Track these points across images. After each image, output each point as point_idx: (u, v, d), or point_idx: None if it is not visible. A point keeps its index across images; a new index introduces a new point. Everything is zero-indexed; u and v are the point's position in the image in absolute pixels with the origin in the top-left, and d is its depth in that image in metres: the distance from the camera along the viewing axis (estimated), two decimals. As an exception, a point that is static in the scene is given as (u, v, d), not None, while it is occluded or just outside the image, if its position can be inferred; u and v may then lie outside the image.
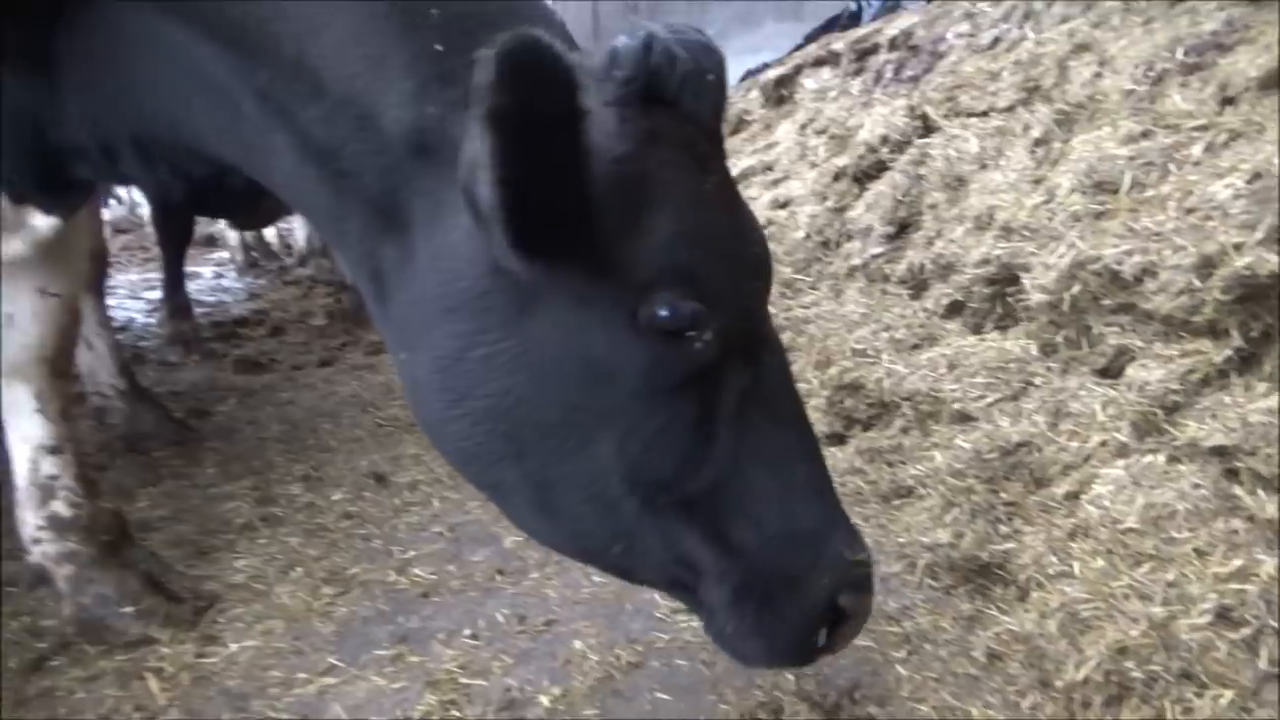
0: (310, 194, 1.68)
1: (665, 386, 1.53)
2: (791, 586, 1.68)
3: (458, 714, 2.47)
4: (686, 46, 1.46)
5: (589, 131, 1.33)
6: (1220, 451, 2.68)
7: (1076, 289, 3.36)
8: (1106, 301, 3.29)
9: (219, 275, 10.56)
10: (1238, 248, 2.70)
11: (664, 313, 1.45)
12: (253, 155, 1.74)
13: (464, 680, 2.62)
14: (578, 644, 2.77)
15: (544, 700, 2.52)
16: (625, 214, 1.43)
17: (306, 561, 3.40)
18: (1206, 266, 2.81)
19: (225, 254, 11.15)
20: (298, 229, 9.81)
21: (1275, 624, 2.11)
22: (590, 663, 2.67)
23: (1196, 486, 2.57)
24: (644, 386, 1.52)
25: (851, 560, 1.71)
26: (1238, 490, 2.54)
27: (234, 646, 2.83)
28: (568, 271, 1.43)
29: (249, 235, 10.39)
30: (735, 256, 1.58)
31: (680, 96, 1.47)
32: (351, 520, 3.76)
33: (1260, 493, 2.51)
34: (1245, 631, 2.14)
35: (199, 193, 2.24)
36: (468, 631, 2.89)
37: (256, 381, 5.85)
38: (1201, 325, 2.92)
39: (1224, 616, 2.19)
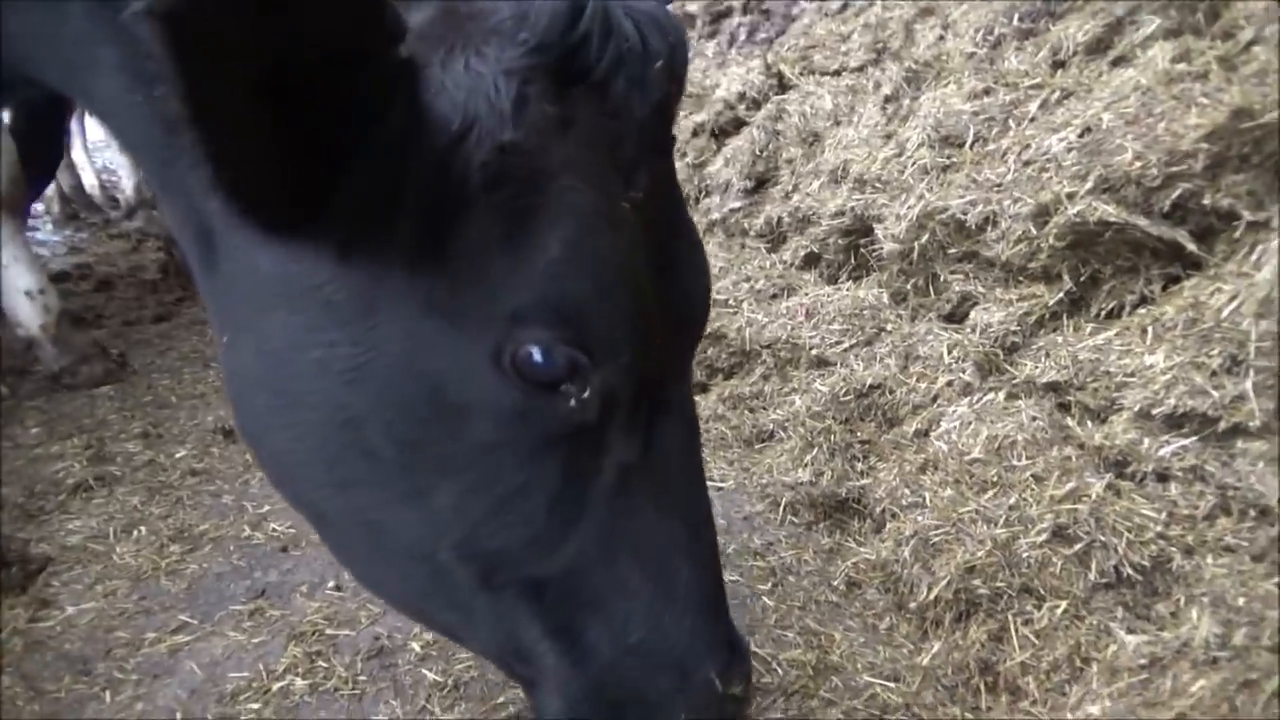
0: (136, 125, 1.35)
1: (525, 445, 1.28)
2: (643, 712, 1.47)
3: (324, 664, 2.38)
4: (636, 18, 1.21)
5: (411, 91, 1.08)
6: (1054, 387, 2.88)
7: (925, 238, 3.52)
8: (952, 250, 3.47)
9: (33, 228, 9.65)
10: (1070, 197, 2.89)
11: (535, 357, 1.19)
12: (75, 74, 1.42)
13: (330, 631, 2.53)
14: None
15: (415, 646, 2.46)
16: (504, 219, 1.15)
17: (150, 520, 3.18)
18: (1042, 215, 3.00)
19: (39, 205, 10.19)
20: (125, 178, 9.05)
21: (1104, 539, 2.29)
22: (460, 609, 2.63)
23: (1034, 419, 2.75)
24: (497, 439, 1.27)
25: (722, 693, 1.48)
26: (1069, 421, 2.74)
27: (71, 610, 2.64)
28: (426, 275, 1.18)
29: (67, 185, 9.50)
30: (643, 301, 1.28)
31: (611, 80, 1.19)
32: (198, 477, 3.55)
33: (1089, 423, 2.71)
34: (1078, 547, 2.32)
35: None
36: (331, 584, 2.79)
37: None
38: (1037, 271, 3.12)
39: (1059, 534, 2.36)
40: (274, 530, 3.13)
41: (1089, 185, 2.84)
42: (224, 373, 1.46)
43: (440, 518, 1.31)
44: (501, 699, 2.25)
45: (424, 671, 2.36)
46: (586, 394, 1.24)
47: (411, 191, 1.15)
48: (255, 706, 2.25)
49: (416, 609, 1.57)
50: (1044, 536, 2.37)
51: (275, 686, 2.31)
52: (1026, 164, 3.17)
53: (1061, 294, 3.02)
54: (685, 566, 1.45)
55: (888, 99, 4.30)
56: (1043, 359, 2.96)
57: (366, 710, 2.24)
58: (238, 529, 3.14)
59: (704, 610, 1.48)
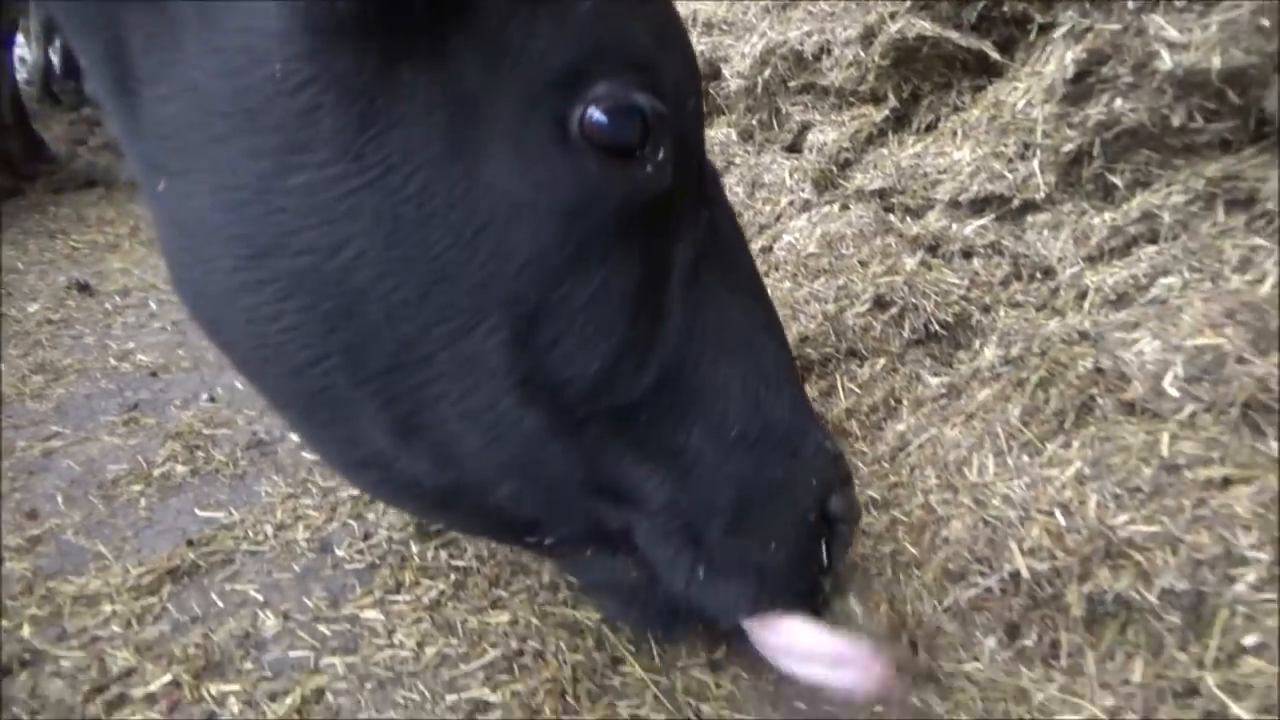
0: None
1: (600, 236, 1.09)
2: (774, 501, 1.36)
3: (204, 454, 2.48)
4: None
5: None
6: (880, 193, 3.18)
7: (768, 74, 3.74)
8: (793, 83, 3.70)
9: None
10: (892, 17, 3.15)
11: (604, 118, 1.02)
12: None
13: (207, 432, 2.62)
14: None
15: (294, 437, 2.58)
16: None
17: (8, 360, 3.14)
18: (868, 37, 3.25)
19: None
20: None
21: (916, 302, 2.61)
22: (338, 408, 2.75)
23: (861, 217, 3.05)
24: (566, 237, 1.06)
25: (834, 453, 1.44)
26: (892, 218, 3.05)
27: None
28: (443, 54, 0.98)
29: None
30: (681, 40, 1.15)
31: None
32: (56, 325, 3.50)
33: (909, 219, 3.02)
34: (893, 311, 2.63)
35: None
36: (205, 396, 2.86)
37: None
38: (866, 93, 3.38)
39: (879, 303, 2.67)
40: (141, 360, 3.16)
41: (907, 4, 3.10)
42: (159, 227, 1.18)
43: (495, 360, 1.09)
44: (381, 467, 2.40)
45: (303, 454, 2.49)
46: (661, 154, 1.09)
47: None
48: (137, 489, 2.33)
49: (454, 496, 1.27)
50: (866, 306, 2.67)
51: (156, 473, 2.40)
52: (856, -9, 3.41)
53: (888, 111, 3.30)
54: (768, 343, 1.37)
55: (733, -52, 4.45)
56: (871, 170, 3.25)
57: (249, 486, 2.37)
58: (103, 361, 3.15)
59: (793, 382, 1.42)
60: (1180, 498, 1.52)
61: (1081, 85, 2.44)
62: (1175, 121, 2.25)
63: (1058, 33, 2.58)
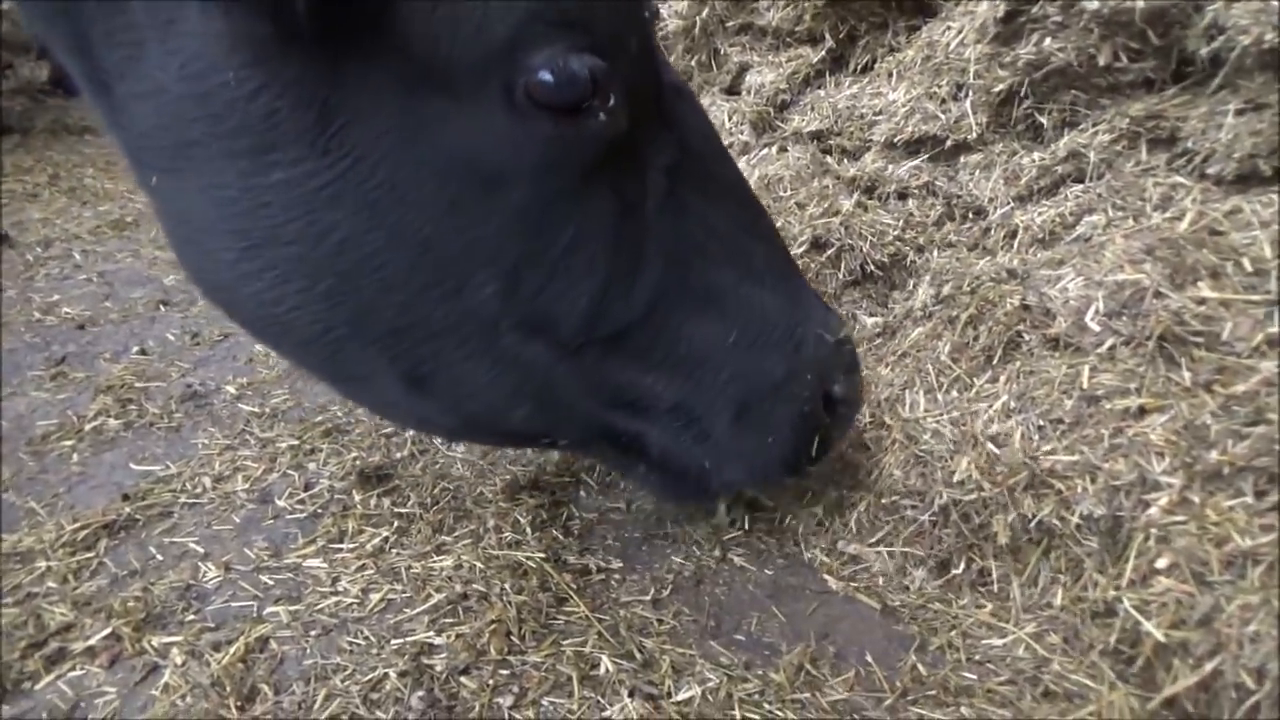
0: None
1: (568, 186, 1.17)
2: (775, 392, 1.47)
3: (136, 408, 2.42)
4: None
5: None
6: (817, 135, 3.19)
7: (705, 13, 3.70)
8: (730, 23, 3.67)
9: None
10: (829, -45, 3.13)
11: (548, 78, 1.07)
12: None
13: (139, 385, 2.56)
14: (259, 347, 2.78)
15: (230, 389, 2.54)
16: None
17: (-84, 316, 3.03)
18: (805, -26, 3.23)
19: None
20: None
21: (852, 243, 2.64)
22: (275, 358, 2.71)
23: (799, 159, 3.06)
24: (538, 191, 1.15)
25: (834, 341, 1.52)
26: (829, 160, 3.07)
27: None
28: (384, 47, 1.03)
29: None
30: None
31: None
32: (-34, 280, 3.38)
33: (845, 161, 3.04)
34: (830, 252, 2.66)
35: None
36: (136, 349, 2.79)
37: None
38: (803, 34, 3.37)
39: (816, 244, 2.70)
40: (68, 313, 3.06)
41: (843, -58, 3.08)
42: (161, 218, 1.26)
43: (488, 309, 1.19)
44: (319, 418, 2.38)
45: (240, 406, 2.46)
46: (613, 101, 1.13)
47: None
48: (69, 444, 2.28)
49: (480, 422, 1.40)
50: (804, 248, 2.70)
51: (88, 428, 2.35)
52: (793, -71, 3.37)
53: (824, 52, 3.30)
54: (756, 242, 1.43)
55: (670, -116, 4.35)
56: (809, 112, 3.25)
57: (185, 438, 2.33)
58: (27, 315, 3.05)
59: (788, 277, 1.48)
60: (1099, 427, 1.58)
61: (1012, 25, 2.47)
62: (1101, 61, 2.29)
63: (992, -28, 2.59)
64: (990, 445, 1.66)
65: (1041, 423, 1.64)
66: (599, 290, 1.25)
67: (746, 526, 1.99)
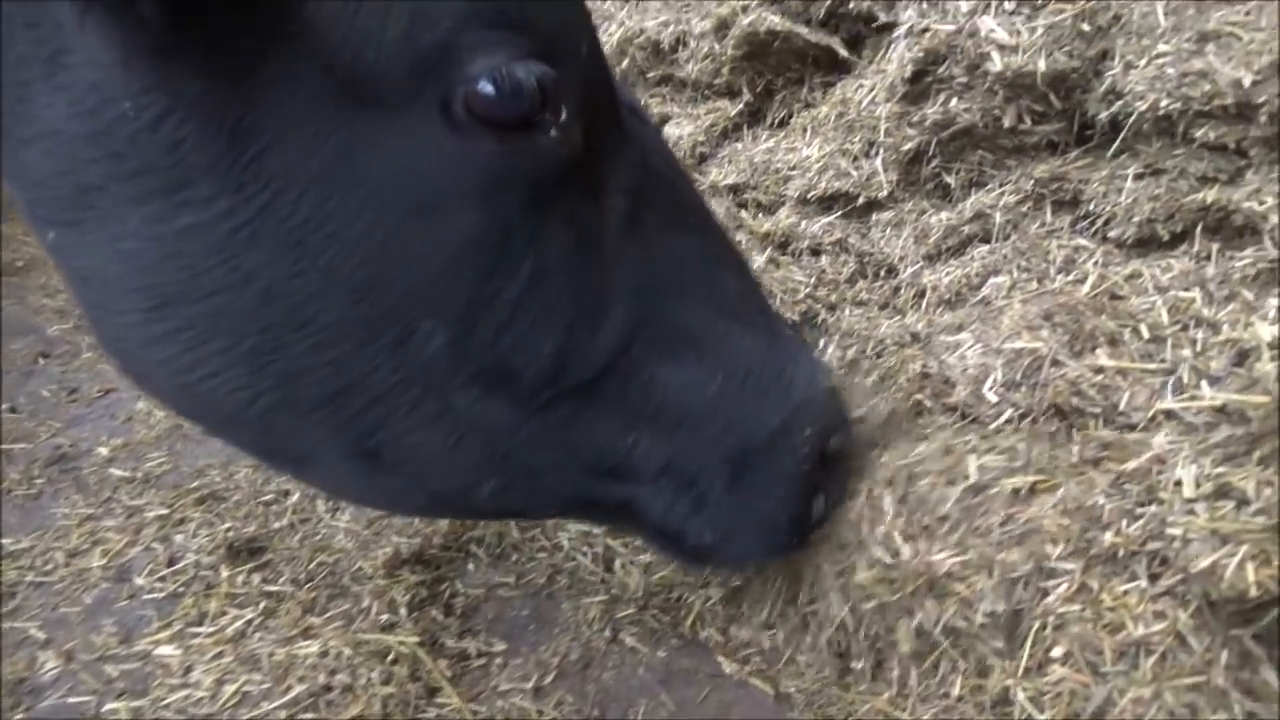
0: None
1: (516, 214, 1.02)
2: (772, 446, 1.30)
3: (-8, 474, 2.25)
4: None
5: None
6: (734, 188, 3.15)
7: (626, 63, 3.66)
8: (651, 74, 3.64)
9: None
10: (744, 10, 3.11)
11: (489, 88, 0.93)
12: None
13: (4, 446, 2.38)
14: (141, 405, 2.62)
15: (103, 450, 2.39)
16: None
17: None
18: (722, 29, 3.20)
19: None
20: None
21: (762, 300, 2.58)
22: (156, 417, 2.56)
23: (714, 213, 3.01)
24: (487, 221, 1.00)
25: (827, 388, 1.37)
26: (744, 214, 3.02)
27: None
28: (301, 57, 0.90)
29: None
30: None
31: None
32: None
33: (761, 215, 3.00)
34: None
35: None
36: (6, 406, 2.61)
37: None
38: (722, 87, 3.34)
39: (727, 301, 2.63)
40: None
41: (759, -2, 3.07)
42: (64, 277, 1.08)
43: (439, 363, 1.03)
44: (195, 484, 2.23)
45: (111, 470, 2.30)
46: (565, 114, 1.00)
47: None
48: (-90, 514, 2.10)
49: (443, 497, 1.22)
50: (714, 305, 2.63)
51: (-66, 496, 2.17)
52: (710, -17, 3.36)
53: (742, 105, 3.27)
54: (729, 279, 1.28)
55: (594, -65, 4.35)
56: (726, 165, 3.21)
57: (44, 507, 2.16)
58: (-112, 369, 2.85)
59: (767, 317, 1.33)
60: (989, 516, 1.51)
61: (920, 84, 2.45)
62: (1006, 122, 2.28)
63: (898, 32, 2.58)
64: (882, 553, 1.55)
65: (928, 522, 1.54)
66: (563, 332, 1.10)
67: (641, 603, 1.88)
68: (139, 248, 0.94)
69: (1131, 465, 1.47)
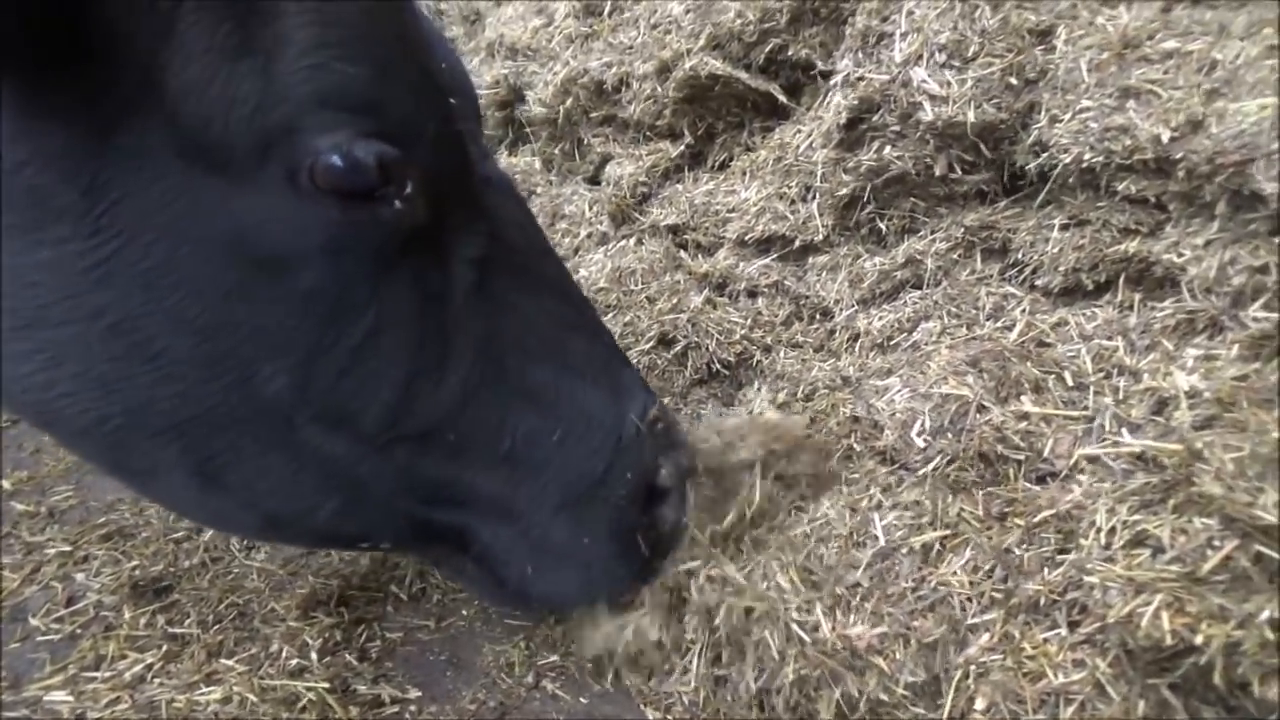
0: None
1: (362, 275, 1.10)
2: (593, 494, 1.38)
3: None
4: None
5: None
6: (674, 229, 3.15)
7: (570, 103, 3.67)
8: (594, 114, 3.65)
9: None
10: (687, 53, 3.14)
11: (336, 161, 1.01)
12: None
13: (-108, 478, 2.25)
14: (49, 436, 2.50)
15: (5, 484, 2.27)
16: (225, 20, 0.95)
17: None
18: (664, 72, 3.23)
19: None
20: None
21: (699, 340, 2.57)
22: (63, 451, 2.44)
23: (653, 253, 3.01)
24: (327, 279, 1.08)
25: (645, 424, 1.43)
26: (684, 254, 3.03)
27: None
28: (158, 123, 0.98)
29: None
30: (412, 67, 1.12)
31: None
32: None
33: (700, 256, 3.00)
34: (677, 349, 2.59)
35: None
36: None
37: None
38: (664, 129, 3.36)
39: (663, 341, 2.62)
40: None
41: (701, 43, 3.09)
42: None
43: (281, 401, 1.11)
44: (102, 519, 2.13)
45: (13, 504, 2.19)
46: (408, 189, 1.08)
47: (97, 23, 0.93)
48: None
49: (281, 520, 1.27)
50: (651, 344, 2.62)
51: None
52: (654, 27, 3.39)
53: (684, 147, 3.29)
54: (577, 339, 1.37)
55: (541, -24, 4.38)
56: (666, 206, 3.22)
57: (-64, 543, 2.04)
58: None
59: (608, 369, 1.41)
60: (900, 581, 1.48)
61: (855, 132, 2.48)
62: (938, 171, 2.31)
63: (835, 80, 2.62)
64: (798, 628, 1.50)
65: (840, 590, 1.50)
66: (401, 384, 1.18)
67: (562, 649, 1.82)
68: (4, 274, 1.02)
69: (1041, 517, 1.46)
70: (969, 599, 1.42)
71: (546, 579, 1.43)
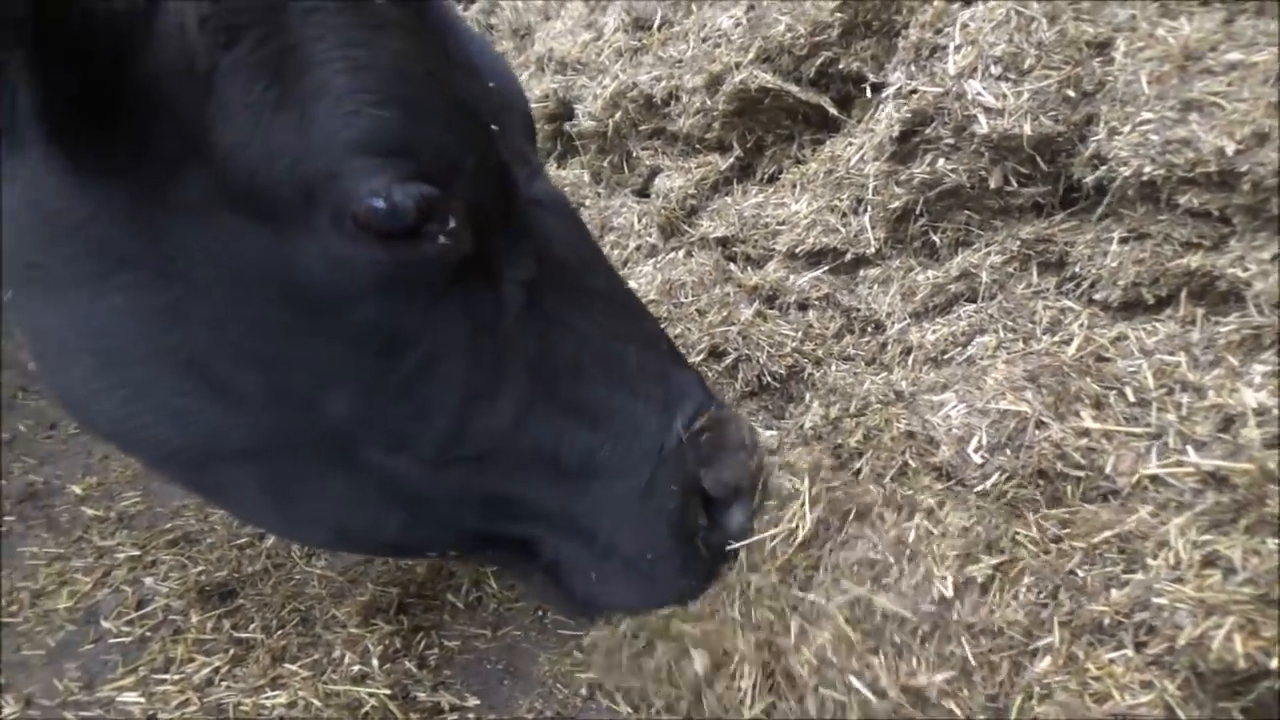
0: None
1: (414, 308, 1.14)
2: (644, 504, 1.38)
3: (-41, 511, 2.21)
4: None
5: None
6: (723, 241, 3.16)
7: (619, 116, 3.70)
8: (643, 127, 3.67)
9: None
10: (737, 67, 3.15)
11: (378, 205, 1.04)
12: None
13: (-27, 482, 2.34)
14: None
15: (76, 489, 2.34)
16: (262, 75, 0.99)
17: None
18: (714, 85, 3.24)
19: None
20: None
21: (749, 353, 2.58)
22: (130, 457, 2.51)
23: (702, 265, 3.02)
24: (381, 315, 1.12)
25: (691, 431, 1.41)
26: (733, 267, 3.03)
27: None
28: (202, 177, 1.04)
29: None
30: (454, 99, 1.15)
31: None
32: None
33: (749, 268, 3.01)
34: (728, 361, 2.59)
35: None
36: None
37: None
38: (713, 141, 3.37)
39: (714, 353, 2.63)
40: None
41: (751, 55, 3.10)
42: (23, 333, 1.23)
43: (343, 426, 1.17)
44: (169, 525, 2.19)
45: (84, 509, 2.26)
46: (452, 224, 1.10)
47: (142, 86, 0.99)
48: None
49: (353, 535, 1.37)
50: (702, 356, 2.63)
51: (-103, 533, 2.12)
52: (704, 41, 3.41)
53: (733, 160, 3.30)
54: (632, 350, 1.37)
55: (590, -10, 4.43)
56: (715, 218, 3.23)
57: (13, 545, 2.11)
58: None
59: (666, 378, 1.41)
60: (960, 616, 1.44)
61: (908, 144, 2.48)
62: (992, 183, 2.30)
63: (887, 92, 2.62)
64: (855, 681, 1.45)
65: (899, 638, 1.47)
66: (457, 410, 1.21)
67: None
68: (80, 318, 1.10)
69: (1102, 537, 1.44)
70: (1029, 632, 1.40)
71: (612, 588, 1.44)
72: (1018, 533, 1.54)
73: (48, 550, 2.10)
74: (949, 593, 1.46)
